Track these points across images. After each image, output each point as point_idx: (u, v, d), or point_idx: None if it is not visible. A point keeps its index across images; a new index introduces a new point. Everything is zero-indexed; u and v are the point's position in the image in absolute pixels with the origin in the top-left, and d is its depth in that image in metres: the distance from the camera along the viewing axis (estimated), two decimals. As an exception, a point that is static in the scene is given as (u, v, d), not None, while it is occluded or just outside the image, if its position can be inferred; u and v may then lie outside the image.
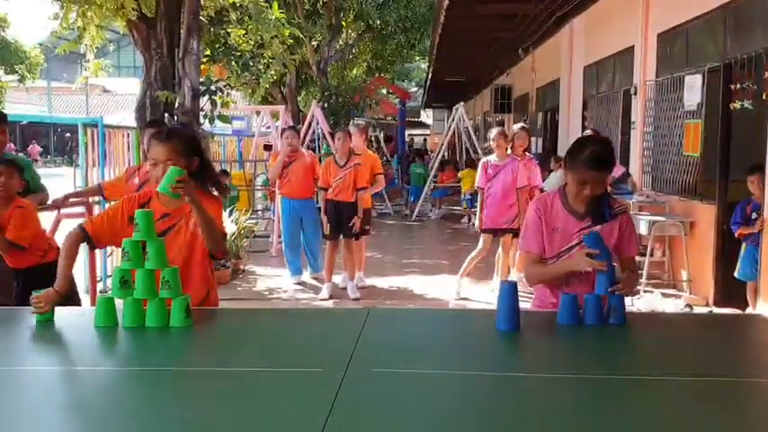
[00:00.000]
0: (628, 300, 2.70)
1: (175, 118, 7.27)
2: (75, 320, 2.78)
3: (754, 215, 5.59)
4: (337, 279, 7.27)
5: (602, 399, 1.89)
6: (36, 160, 31.12)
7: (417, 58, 26.64)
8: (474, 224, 7.17)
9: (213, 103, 7.78)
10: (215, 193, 2.98)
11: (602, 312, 2.56)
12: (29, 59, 30.22)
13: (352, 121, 8.76)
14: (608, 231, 2.81)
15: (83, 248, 2.87)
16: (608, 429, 1.69)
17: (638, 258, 4.78)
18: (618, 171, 7.44)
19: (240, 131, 16.04)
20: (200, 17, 7.90)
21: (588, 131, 8.54)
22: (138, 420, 1.72)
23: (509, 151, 6.93)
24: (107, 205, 5.37)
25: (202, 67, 8.10)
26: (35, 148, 36.54)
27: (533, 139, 11.19)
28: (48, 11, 32.24)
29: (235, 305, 5.96)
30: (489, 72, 18.80)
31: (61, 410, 1.78)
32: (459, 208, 14.30)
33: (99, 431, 1.70)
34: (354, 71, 23.80)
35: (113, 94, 43.18)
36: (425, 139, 36.43)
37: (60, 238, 4.60)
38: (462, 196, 13.97)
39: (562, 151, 10.99)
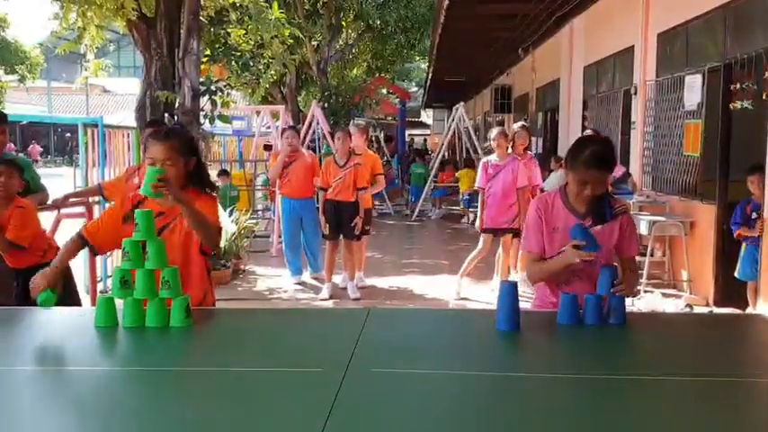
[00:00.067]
0: (628, 300, 2.70)
1: (175, 118, 7.27)
2: (75, 320, 2.79)
3: (754, 215, 5.59)
4: (337, 279, 7.27)
5: (602, 399, 1.89)
6: (36, 160, 31.13)
7: (417, 58, 26.65)
8: (474, 224, 7.17)
9: (213, 103, 7.78)
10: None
11: (602, 312, 2.56)
12: (29, 59, 30.20)
13: (352, 121, 8.76)
14: (609, 231, 2.81)
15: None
16: (608, 429, 1.69)
17: (638, 258, 4.77)
18: (618, 171, 7.44)
19: (240, 131, 16.04)
20: (201, 17, 7.90)
21: (588, 131, 8.54)
22: (138, 420, 1.72)
23: (510, 150, 6.93)
24: (107, 205, 5.38)
25: (202, 67, 8.09)
26: (35, 148, 36.54)
27: (533, 139, 11.18)
28: (48, 11, 32.31)
29: (235, 305, 5.97)
30: (489, 72, 18.80)
31: (61, 410, 1.78)
32: (459, 208, 14.30)
33: (99, 431, 1.70)
34: (354, 71, 23.81)
35: (113, 94, 43.18)
36: (425, 139, 36.44)
37: (60, 238, 4.60)
38: (460, 196, 13.97)
39: (562, 151, 11.00)
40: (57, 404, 1.83)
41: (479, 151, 13.84)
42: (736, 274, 5.85)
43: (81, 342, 2.40)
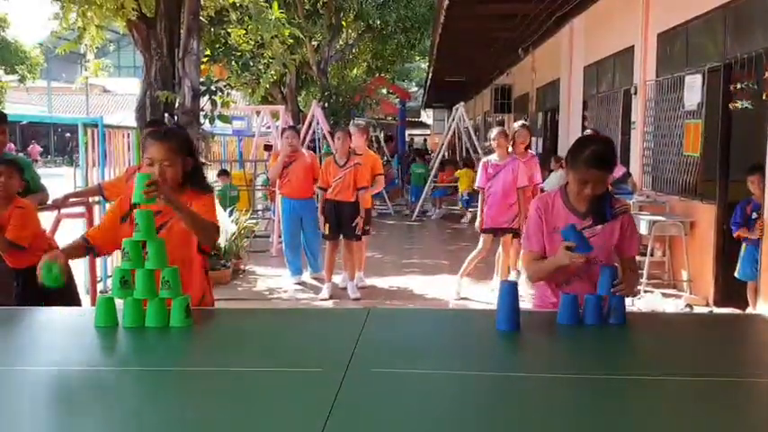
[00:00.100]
0: (628, 300, 2.70)
1: (175, 118, 7.27)
2: (75, 320, 2.79)
3: (754, 215, 5.59)
4: (337, 279, 7.27)
5: (602, 399, 1.89)
6: (36, 160, 31.13)
7: (417, 58, 26.66)
8: (475, 223, 7.16)
9: (213, 103, 7.78)
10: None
11: (602, 312, 2.56)
12: (29, 59, 30.20)
13: (352, 121, 8.76)
14: (609, 231, 2.81)
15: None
16: (608, 429, 1.69)
17: (638, 258, 4.77)
18: (618, 171, 7.44)
19: (240, 131, 16.06)
20: (201, 17, 7.90)
21: (588, 131, 8.54)
22: (138, 420, 1.72)
23: (510, 150, 6.93)
24: (107, 205, 5.38)
25: (202, 67, 8.10)
26: (35, 148, 36.54)
27: (533, 139, 11.19)
28: (48, 11, 32.30)
29: (235, 305, 5.96)
30: (489, 72, 18.80)
31: (61, 410, 1.78)
32: (459, 208, 14.30)
33: (99, 431, 1.70)
34: (354, 71, 23.81)
35: (113, 94, 43.20)
36: (425, 139, 36.43)
37: (60, 238, 4.60)
38: (459, 196, 13.97)
39: (562, 151, 11.00)
40: (57, 404, 1.83)
41: (479, 151, 13.84)
42: (736, 274, 5.85)
43: (81, 342, 2.40)
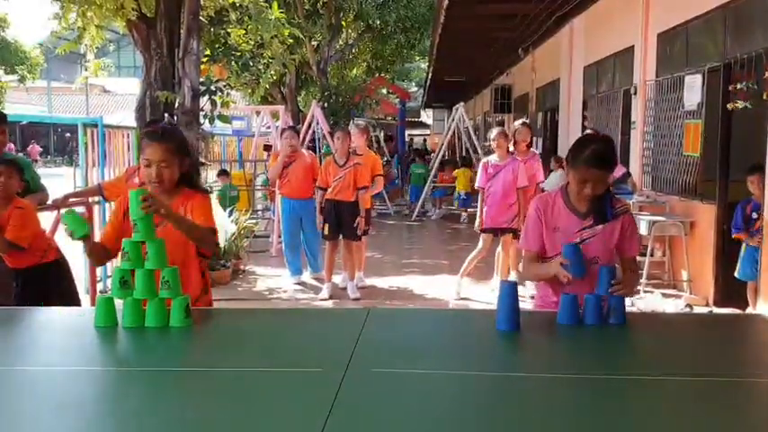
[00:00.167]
0: (628, 300, 2.70)
1: (175, 118, 7.27)
2: (74, 320, 2.79)
3: (754, 215, 5.59)
4: (337, 279, 7.27)
5: (602, 399, 1.89)
6: (36, 160, 31.14)
7: (417, 58, 26.66)
8: (474, 223, 7.16)
9: (213, 103, 7.77)
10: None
11: (602, 312, 2.56)
12: (29, 59, 30.20)
13: (352, 121, 8.76)
14: (609, 231, 2.81)
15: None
16: (608, 429, 1.69)
17: (638, 258, 4.78)
18: (619, 171, 7.43)
19: (240, 131, 16.08)
20: (200, 17, 7.89)
21: (588, 131, 8.53)
22: (138, 420, 1.72)
23: (512, 149, 6.93)
24: (107, 205, 5.38)
25: (202, 67, 8.09)
26: (35, 148, 36.53)
27: (533, 139, 11.18)
28: (48, 11, 32.27)
29: (235, 305, 5.96)
30: (489, 72, 18.80)
31: (61, 410, 1.78)
32: (456, 207, 14.32)
33: (99, 431, 1.70)
34: (354, 71, 23.81)
35: (113, 94, 43.20)
36: (425, 140, 36.43)
37: (60, 239, 4.60)
38: (456, 195, 13.98)
39: (562, 151, 11.00)
40: (57, 404, 1.82)
41: (479, 151, 13.84)
42: (736, 274, 5.85)
43: (81, 342, 2.40)
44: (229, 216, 8.37)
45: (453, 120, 14.76)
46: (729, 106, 6.15)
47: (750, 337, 2.70)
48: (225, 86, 8.23)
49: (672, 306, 6.49)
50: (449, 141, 15.11)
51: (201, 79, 7.70)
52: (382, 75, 23.77)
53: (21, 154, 18.06)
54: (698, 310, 6.40)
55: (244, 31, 9.95)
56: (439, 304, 6.76)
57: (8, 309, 3.08)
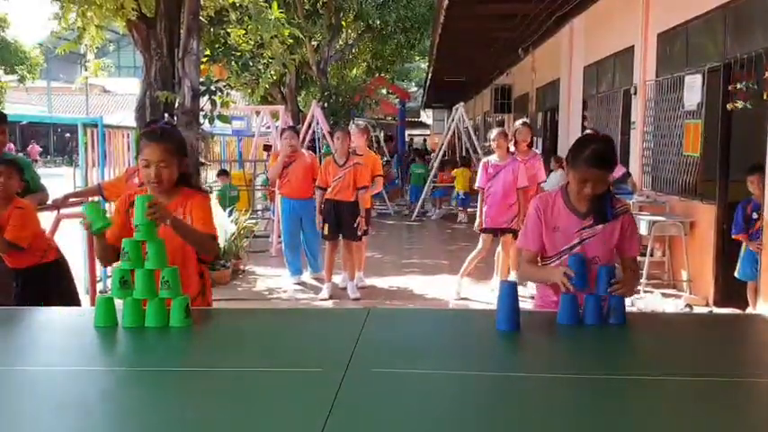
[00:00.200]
0: (628, 300, 2.70)
1: (175, 118, 7.27)
2: (74, 320, 2.79)
3: (754, 215, 5.59)
4: (337, 279, 7.27)
5: (602, 399, 1.89)
6: (36, 160, 31.13)
7: (417, 58, 26.66)
8: (474, 222, 7.16)
9: (213, 103, 7.77)
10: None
11: (602, 312, 2.56)
12: (29, 59, 30.19)
13: (352, 122, 8.76)
14: (609, 231, 2.81)
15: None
16: (608, 429, 1.69)
17: (638, 258, 4.78)
18: (619, 171, 7.43)
19: (240, 131, 16.07)
20: (200, 17, 7.89)
21: (588, 131, 8.53)
22: (138, 420, 1.72)
23: (512, 149, 6.92)
24: (107, 206, 5.38)
25: (202, 67, 8.09)
26: (35, 148, 36.53)
27: (533, 139, 11.18)
28: (48, 11, 32.23)
29: (234, 305, 5.96)
30: (489, 72, 18.80)
31: (61, 410, 1.78)
32: (454, 207, 14.32)
33: (99, 431, 1.70)
34: (354, 71, 23.81)
35: (113, 94, 43.19)
36: (425, 140, 36.44)
37: (60, 238, 4.61)
38: (454, 194, 13.97)
39: (562, 151, 11.00)
40: (57, 404, 1.82)
41: (479, 151, 13.84)
42: (736, 274, 5.86)
43: (81, 342, 2.40)
44: (229, 216, 8.37)
45: (453, 120, 14.76)
46: (729, 106, 6.15)
47: (750, 337, 2.70)
48: (225, 86, 8.23)
49: (672, 306, 6.50)
50: (449, 141, 15.11)
51: (201, 79, 7.70)
52: (382, 75, 23.77)
53: (21, 154, 18.05)
54: (698, 310, 6.40)
55: (244, 31, 9.94)
56: (439, 304, 6.76)
57: (8, 309, 3.08)
